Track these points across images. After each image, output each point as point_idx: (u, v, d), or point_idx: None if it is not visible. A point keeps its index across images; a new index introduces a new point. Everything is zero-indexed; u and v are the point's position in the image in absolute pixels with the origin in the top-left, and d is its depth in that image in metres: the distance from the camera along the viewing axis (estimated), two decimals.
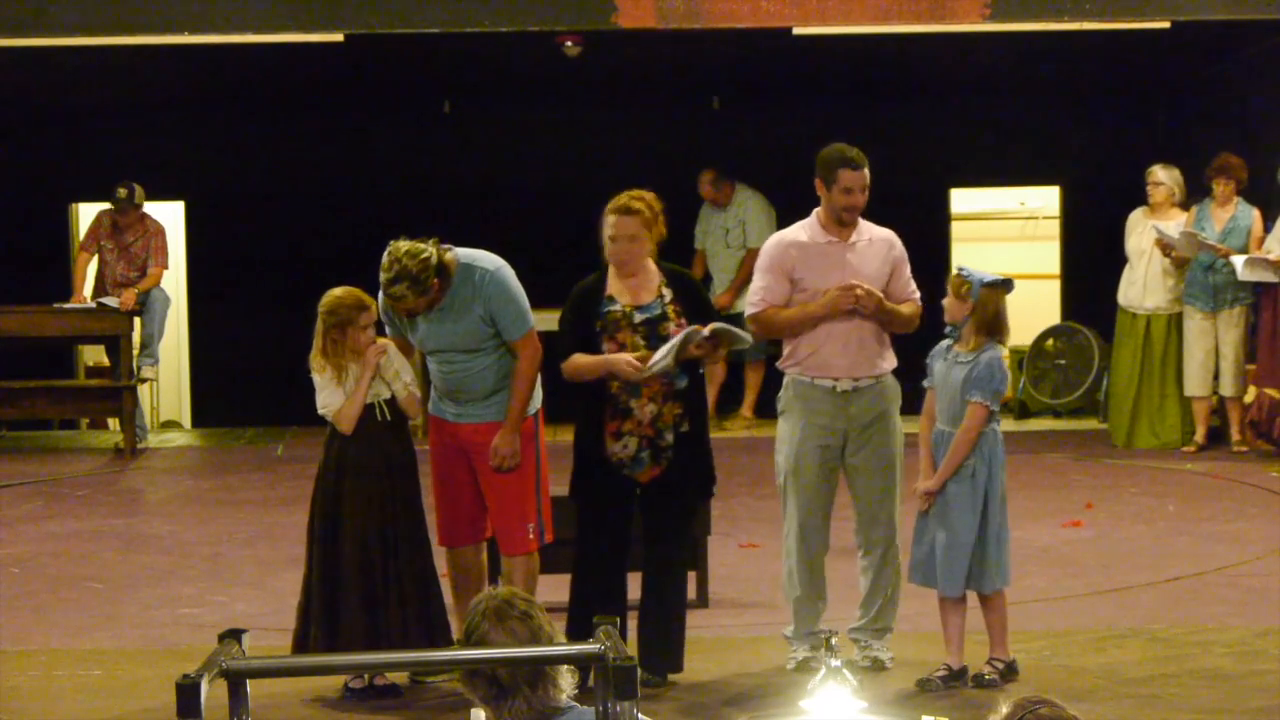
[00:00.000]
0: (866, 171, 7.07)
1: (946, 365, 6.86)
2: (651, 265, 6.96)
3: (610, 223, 6.89)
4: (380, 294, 6.90)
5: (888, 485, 7.08)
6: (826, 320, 7.01)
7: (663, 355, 6.70)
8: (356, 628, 6.72)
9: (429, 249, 6.75)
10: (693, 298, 7.00)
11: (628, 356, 6.75)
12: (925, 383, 6.95)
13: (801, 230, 7.17)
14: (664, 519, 6.94)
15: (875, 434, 7.05)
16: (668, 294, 6.92)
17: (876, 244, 7.12)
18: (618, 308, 6.88)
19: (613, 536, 6.89)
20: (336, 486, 6.83)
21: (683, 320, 6.86)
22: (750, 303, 7.23)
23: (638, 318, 6.85)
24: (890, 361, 7.14)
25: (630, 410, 6.82)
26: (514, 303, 6.92)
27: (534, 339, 6.96)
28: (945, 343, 6.92)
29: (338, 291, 6.89)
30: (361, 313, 6.79)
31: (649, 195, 6.97)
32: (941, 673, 6.83)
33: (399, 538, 6.82)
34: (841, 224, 7.08)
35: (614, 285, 6.93)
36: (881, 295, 7.02)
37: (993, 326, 6.77)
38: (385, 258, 6.74)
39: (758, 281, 7.18)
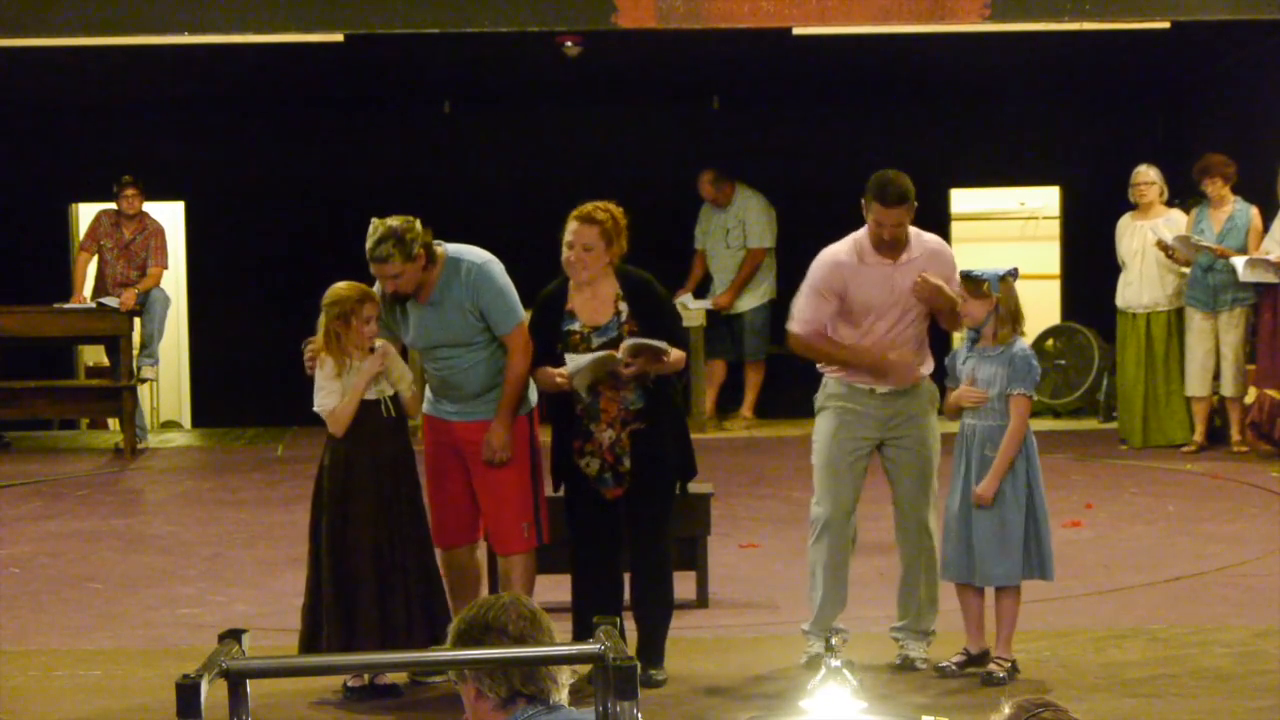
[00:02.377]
0: (906, 207, 6.93)
1: (973, 362, 6.91)
2: (611, 278, 6.91)
3: (569, 229, 6.86)
4: (378, 287, 6.92)
5: (924, 486, 7.09)
6: (873, 374, 7.01)
7: (576, 369, 6.73)
8: (371, 626, 6.71)
9: (414, 220, 6.77)
10: (649, 308, 6.91)
11: (551, 373, 6.80)
12: (948, 382, 7.00)
13: (851, 249, 7.07)
14: (638, 518, 6.96)
15: (912, 434, 7.07)
16: (624, 309, 6.88)
17: (925, 260, 7.06)
18: (577, 327, 6.87)
19: (596, 536, 6.92)
20: (344, 484, 6.81)
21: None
22: (795, 319, 7.14)
23: (595, 340, 6.84)
24: (928, 367, 7.16)
25: (591, 433, 6.85)
26: (502, 296, 6.90)
27: (525, 333, 6.94)
28: (964, 345, 6.97)
29: (340, 284, 6.88)
30: (364, 304, 6.78)
31: (615, 208, 6.92)
32: (959, 658, 6.90)
33: (404, 535, 6.82)
34: (885, 248, 7.04)
35: (574, 298, 6.91)
36: (947, 288, 6.98)
37: (1016, 316, 6.87)
38: (370, 228, 6.76)
39: (804, 299, 7.11)
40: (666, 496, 7.01)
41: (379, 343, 6.90)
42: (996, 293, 6.83)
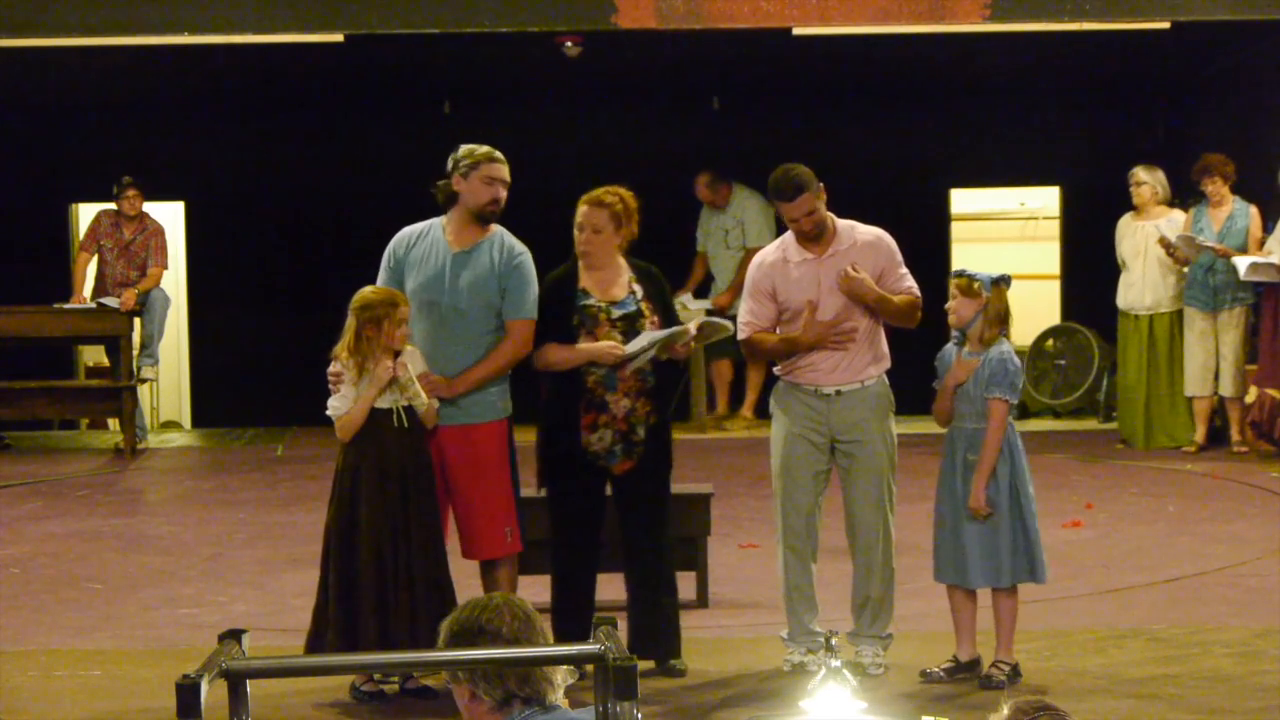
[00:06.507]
0: (806, 196, 6.92)
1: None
2: (621, 261, 7.03)
3: (580, 212, 7.00)
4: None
5: (877, 490, 7.03)
6: (814, 349, 7.01)
7: (641, 345, 6.81)
8: (370, 634, 6.66)
9: None
10: (661, 295, 7.09)
11: (609, 344, 6.86)
12: (935, 384, 6.97)
13: (779, 248, 7.14)
14: (642, 508, 7.00)
15: (864, 438, 7.02)
16: (639, 290, 6.99)
17: (856, 251, 7.04)
18: (594, 302, 6.94)
19: (587, 533, 6.96)
20: (352, 489, 6.77)
21: (656, 319, 6.96)
22: (739, 326, 7.23)
23: (615, 313, 6.93)
24: (881, 367, 7.12)
25: (606, 404, 6.89)
26: (529, 286, 7.01)
27: (530, 333, 6.98)
28: (952, 344, 6.95)
29: (368, 290, 6.85)
30: (396, 308, 6.76)
31: (625, 193, 7.03)
32: (948, 665, 6.87)
33: (412, 544, 6.75)
34: (809, 240, 7.06)
35: (585, 278, 7.01)
36: (870, 281, 6.96)
37: (1003, 319, 6.86)
38: (468, 148, 7.04)
39: (743, 305, 7.21)
40: (667, 485, 7.10)
41: (408, 348, 6.84)
42: (988, 293, 6.82)
